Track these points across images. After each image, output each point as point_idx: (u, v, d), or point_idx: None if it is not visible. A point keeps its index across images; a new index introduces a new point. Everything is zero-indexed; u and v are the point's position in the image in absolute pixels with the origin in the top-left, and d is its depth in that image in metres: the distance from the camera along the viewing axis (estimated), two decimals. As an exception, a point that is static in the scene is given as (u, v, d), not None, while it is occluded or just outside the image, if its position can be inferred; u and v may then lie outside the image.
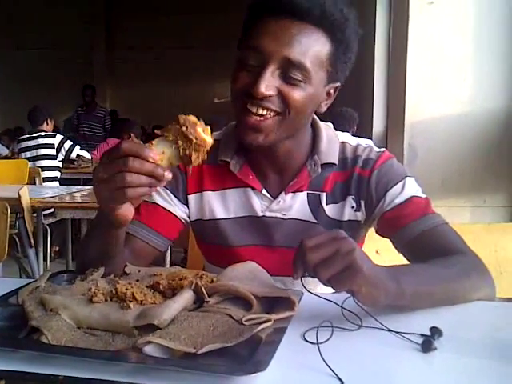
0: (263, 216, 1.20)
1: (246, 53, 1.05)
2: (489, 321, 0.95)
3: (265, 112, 1.04)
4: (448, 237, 1.11)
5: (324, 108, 1.15)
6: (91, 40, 13.06)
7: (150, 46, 12.35)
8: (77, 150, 5.26)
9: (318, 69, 1.05)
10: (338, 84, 1.14)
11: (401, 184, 1.15)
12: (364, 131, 4.03)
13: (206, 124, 0.90)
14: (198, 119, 0.89)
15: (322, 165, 1.17)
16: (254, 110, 1.04)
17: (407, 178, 1.16)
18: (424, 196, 1.16)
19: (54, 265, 4.70)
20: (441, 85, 2.76)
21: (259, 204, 1.20)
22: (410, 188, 1.15)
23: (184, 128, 0.86)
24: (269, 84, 1.02)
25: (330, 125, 1.26)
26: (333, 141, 1.20)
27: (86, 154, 5.49)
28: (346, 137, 1.24)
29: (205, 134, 0.88)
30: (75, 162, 5.65)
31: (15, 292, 0.93)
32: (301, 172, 1.18)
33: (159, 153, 0.86)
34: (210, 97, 10.96)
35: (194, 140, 0.86)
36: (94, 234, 1.07)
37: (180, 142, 0.87)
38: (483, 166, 2.75)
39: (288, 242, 1.18)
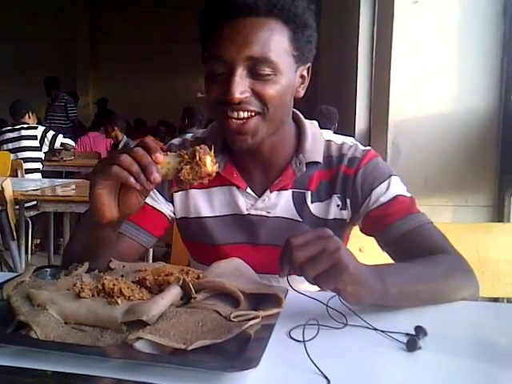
0: (248, 214, 1.20)
1: (211, 64, 1.06)
2: (472, 320, 0.96)
3: (246, 114, 1.05)
4: (432, 236, 1.12)
5: (302, 92, 1.15)
6: (74, 32, 12.94)
7: (135, 39, 12.28)
8: (60, 139, 5.28)
9: (283, 57, 1.05)
10: (309, 64, 1.14)
11: (386, 183, 1.16)
12: (346, 129, 4.04)
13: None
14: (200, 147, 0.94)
15: (306, 163, 1.18)
16: (235, 115, 1.05)
17: (392, 177, 1.17)
18: (409, 195, 1.17)
19: (35, 258, 4.66)
20: (425, 84, 2.78)
21: (244, 202, 1.20)
22: (395, 187, 1.16)
23: (198, 148, 0.93)
24: (241, 87, 1.02)
25: (315, 123, 1.26)
26: (318, 139, 1.21)
27: (69, 142, 5.49)
28: (330, 135, 1.24)
29: (209, 164, 0.93)
30: (60, 152, 5.61)
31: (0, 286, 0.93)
32: (286, 170, 1.18)
33: (165, 161, 0.92)
34: (195, 91, 10.94)
35: (197, 159, 0.91)
36: (81, 232, 1.09)
37: (185, 157, 0.92)
38: (466, 166, 2.77)
39: (273, 240, 1.18)
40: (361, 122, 3.91)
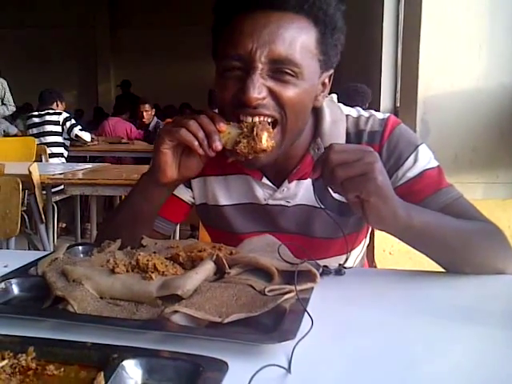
0: (266, 204, 1.15)
1: (227, 61, 0.97)
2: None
3: (261, 119, 0.96)
4: (465, 211, 1.06)
5: (321, 101, 1.07)
6: (94, 19, 12.97)
7: (154, 23, 12.26)
8: (76, 130, 5.28)
9: (308, 60, 0.96)
10: (332, 71, 1.06)
11: (413, 156, 1.07)
12: (372, 109, 3.99)
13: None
14: (260, 123, 0.95)
15: (325, 148, 1.08)
16: (250, 120, 0.96)
17: (419, 148, 1.08)
18: (436, 165, 1.09)
19: (61, 242, 4.71)
20: (455, 60, 2.73)
21: (262, 192, 1.14)
22: (423, 159, 1.08)
23: (257, 122, 0.94)
24: (259, 86, 0.93)
25: (334, 97, 1.17)
26: (338, 119, 1.12)
27: (85, 136, 5.44)
28: (348, 109, 1.16)
29: (265, 140, 0.94)
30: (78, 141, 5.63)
31: (35, 263, 0.94)
32: (304, 158, 1.11)
33: (226, 130, 0.95)
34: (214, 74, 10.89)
35: (254, 134, 0.93)
36: (134, 195, 1.10)
37: (245, 130, 0.94)
38: (497, 142, 2.73)
39: (293, 228, 1.15)
40: (386, 100, 3.86)
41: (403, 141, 1.09)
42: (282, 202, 1.14)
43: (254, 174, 1.13)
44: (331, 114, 1.11)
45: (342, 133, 1.11)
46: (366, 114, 1.13)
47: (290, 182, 1.12)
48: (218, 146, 0.93)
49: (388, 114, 1.14)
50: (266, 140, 0.94)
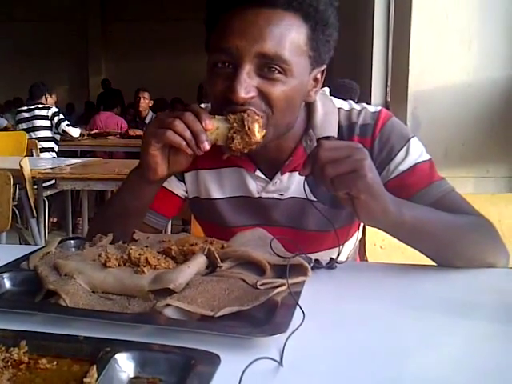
0: (259, 197, 1.15)
1: (216, 55, 0.97)
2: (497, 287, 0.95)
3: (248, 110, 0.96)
4: (458, 204, 1.07)
5: (314, 96, 1.07)
6: (85, 12, 12.89)
7: (146, 17, 12.21)
8: (63, 126, 5.24)
9: (298, 57, 0.96)
10: (324, 67, 1.05)
11: (405, 149, 1.08)
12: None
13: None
14: (256, 113, 0.95)
15: (317, 139, 1.08)
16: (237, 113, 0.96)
17: (410, 141, 1.09)
18: (428, 158, 1.09)
19: (52, 236, 4.69)
20: (445, 54, 2.73)
21: (254, 185, 1.14)
22: (414, 152, 1.08)
23: (246, 115, 0.93)
24: (247, 86, 0.93)
25: (326, 90, 1.17)
26: (330, 111, 1.12)
27: (72, 132, 5.37)
28: (340, 102, 1.16)
29: (258, 132, 0.94)
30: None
31: (26, 258, 0.94)
32: (296, 150, 1.11)
33: (214, 126, 0.94)
34: (205, 70, 10.84)
35: (246, 128, 0.93)
36: (124, 191, 1.10)
37: (235, 125, 0.94)
38: (487, 137, 2.74)
39: (286, 222, 1.15)
40: (377, 95, 3.87)
41: (395, 134, 1.09)
42: (275, 195, 1.14)
43: (248, 166, 1.13)
44: (323, 107, 1.12)
45: (334, 125, 1.11)
46: (357, 107, 1.13)
47: (282, 174, 1.12)
48: (206, 146, 0.93)
49: (380, 108, 1.14)
50: (258, 131, 0.94)
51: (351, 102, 1.17)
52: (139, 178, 1.04)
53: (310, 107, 1.11)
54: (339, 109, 1.13)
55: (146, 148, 0.97)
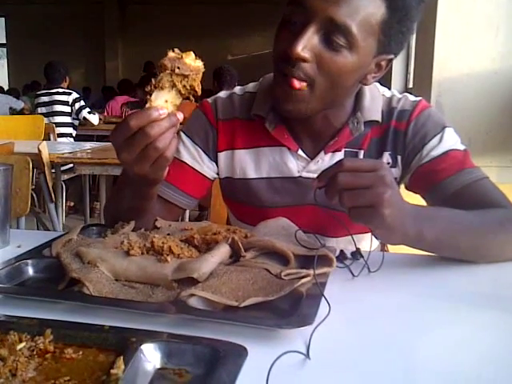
0: (299, 177, 1.15)
1: (290, 8, 0.96)
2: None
3: (296, 84, 0.96)
4: (488, 192, 1.05)
5: (371, 81, 1.05)
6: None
7: (163, 1, 12.14)
8: (84, 113, 5.20)
9: (366, 35, 0.94)
10: (392, 56, 1.02)
11: (439, 136, 1.09)
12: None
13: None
14: (173, 50, 0.87)
15: (365, 122, 1.10)
16: (291, 74, 0.95)
17: (446, 129, 1.10)
18: (463, 148, 1.10)
19: (69, 220, 4.73)
20: (471, 41, 2.67)
21: (295, 164, 1.14)
22: (449, 140, 1.09)
23: (176, 69, 0.85)
24: (307, 45, 0.92)
25: None
26: (376, 96, 1.13)
27: (92, 119, 5.32)
28: (383, 89, 1.18)
29: (195, 62, 0.86)
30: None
31: (48, 244, 0.93)
32: (342, 130, 1.11)
33: (163, 104, 0.84)
34: (224, 54, 10.80)
35: (190, 73, 0.85)
36: (125, 191, 1.03)
37: (178, 84, 0.85)
38: (511, 125, 2.69)
39: (323, 201, 1.13)
40: (397, 83, 3.81)
41: (431, 121, 1.11)
42: (315, 175, 1.12)
43: (291, 144, 1.14)
44: (370, 91, 1.13)
45: (379, 110, 1.12)
46: (399, 95, 1.16)
47: (325, 154, 1.13)
48: (180, 116, 0.84)
49: (420, 98, 1.16)
50: (193, 60, 0.86)
51: (394, 90, 1.19)
52: (137, 184, 0.97)
53: (359, 90, 1.12)
54: (382, 95, 1.15)
55: (130, 169, 0.89)
